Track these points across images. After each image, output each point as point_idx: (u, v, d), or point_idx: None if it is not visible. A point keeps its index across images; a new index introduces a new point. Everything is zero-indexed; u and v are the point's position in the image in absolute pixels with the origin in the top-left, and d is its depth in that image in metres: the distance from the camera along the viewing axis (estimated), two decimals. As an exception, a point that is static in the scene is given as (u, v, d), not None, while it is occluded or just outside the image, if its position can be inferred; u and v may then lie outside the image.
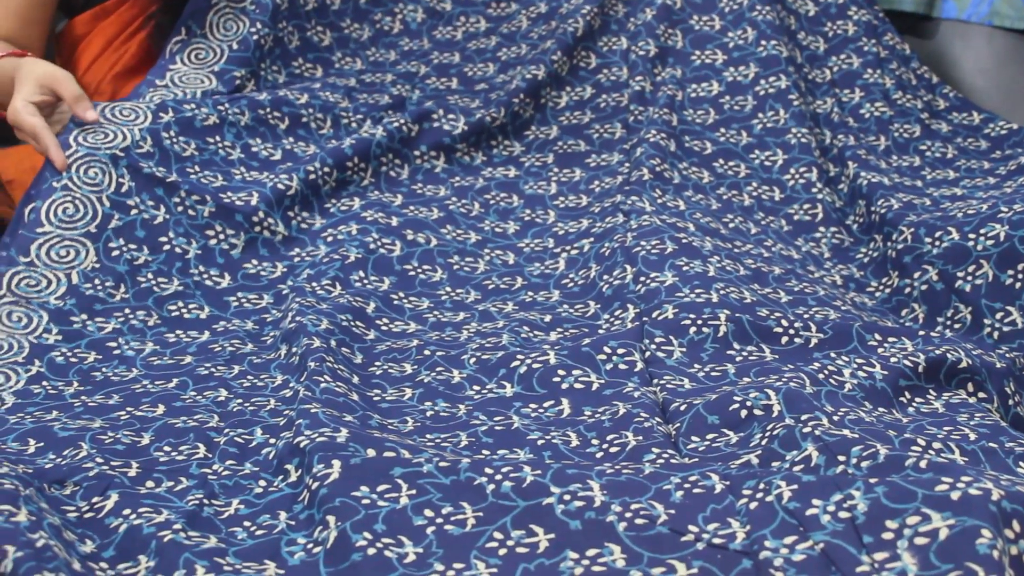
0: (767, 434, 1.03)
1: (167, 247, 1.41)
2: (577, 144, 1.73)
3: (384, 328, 1.33)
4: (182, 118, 1.50)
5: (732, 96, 1.75)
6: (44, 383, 1.23)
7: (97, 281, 1.34)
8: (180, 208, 1.43)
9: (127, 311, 1.34)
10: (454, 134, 1.67)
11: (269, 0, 1.68)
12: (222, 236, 1.44)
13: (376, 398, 1.18)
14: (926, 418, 1.10)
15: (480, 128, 1.70)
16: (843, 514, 0.88)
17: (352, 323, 1.30)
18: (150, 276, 1.38)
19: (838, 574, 0.84)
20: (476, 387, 1.19)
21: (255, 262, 1.45)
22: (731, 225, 1.50)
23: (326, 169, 1.54)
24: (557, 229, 1.54)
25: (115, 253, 1.37)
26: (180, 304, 1.38)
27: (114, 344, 1.30)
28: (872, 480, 0.90)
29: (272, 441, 1.09)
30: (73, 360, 1.26)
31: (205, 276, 1.41)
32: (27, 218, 1.35)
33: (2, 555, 0.84)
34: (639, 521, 0.91)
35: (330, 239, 1.48)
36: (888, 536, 0.86)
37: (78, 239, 1.36)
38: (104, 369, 1.26)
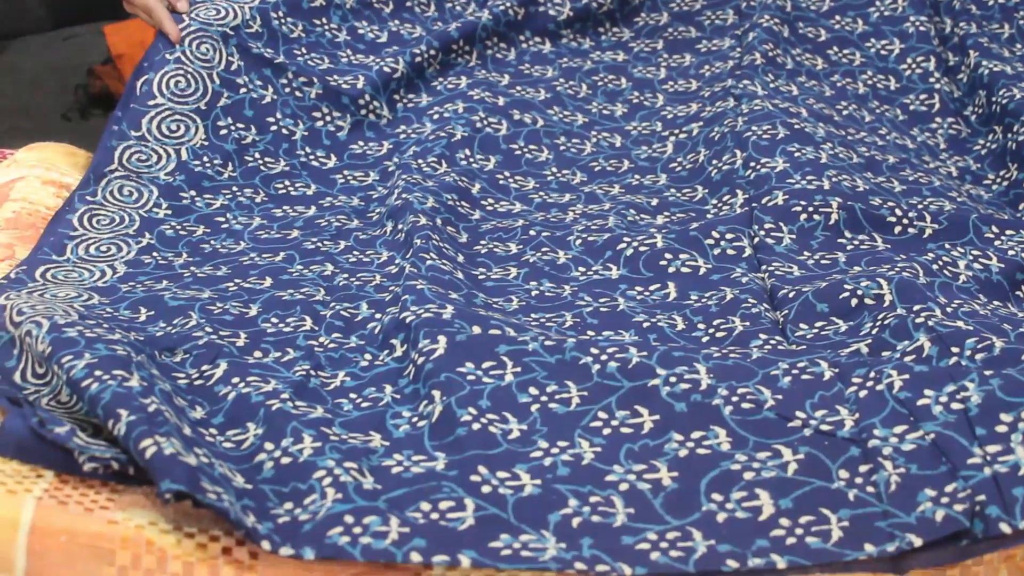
0: (878, 323, 1.01)
1: (274, 128, 1.41)
2: (688, 31, 1.70)
3: (489, 208, 1.32)
4: None
5: None
6: (154, 254, 1.24)
7: (206, 158, 1.35)
8: (287, 89, 1.43)
9: (234, 188, 1.35)
10: (559, 20, 1.65)
11: None
12: (328, 118, 1.44)
13: (481, 277, 1.18)
14: (1043, 312, 1.08)
15: (586, 14, 1.67)
16: (956, 405, 0.87)
17: (458, 203, 1.29)
18: (257, 156, 1.38)
19: (948, 465, 0.83)
20: (581, 268, 1.19)
21: (361, 143, 1.45)
22: (845, 112, 1.46)
23: (432, 52, 1.53)
24: (666, 113, 1.52)
25: (223, 132, 1.38)
26: (287, 182, 1.38)
27: (222, 219, 1.31)
28: (987, 372, 0.89)
29: (378, 316, 1.09)
30: (183, 233, 1.28)
31: (312, 157, 1.41)
32: (139, 91, 1.35)
33: (115, 418, 0.85)
34: (745, 405, 0.91)
35: (436, 117, 1.47)
36: (1002, 429, 0.84)
37: (188, 114, 1.36)
38: (212, 242, 1.27)
